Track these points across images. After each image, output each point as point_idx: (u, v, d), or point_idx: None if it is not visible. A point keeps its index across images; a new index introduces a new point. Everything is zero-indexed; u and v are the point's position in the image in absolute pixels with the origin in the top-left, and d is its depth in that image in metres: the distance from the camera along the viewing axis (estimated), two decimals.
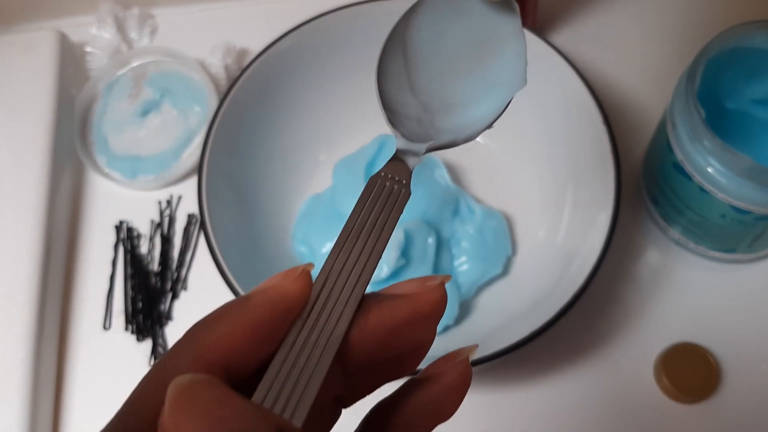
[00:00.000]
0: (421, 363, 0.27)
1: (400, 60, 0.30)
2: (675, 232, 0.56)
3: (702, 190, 0.49)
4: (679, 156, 0.49)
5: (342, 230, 0.25)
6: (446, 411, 0.25)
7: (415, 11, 0.30)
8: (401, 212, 0.26)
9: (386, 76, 0.29)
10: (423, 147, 0.28)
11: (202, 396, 0.20)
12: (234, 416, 0.19)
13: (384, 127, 0.29)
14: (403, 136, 0.28)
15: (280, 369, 0.23)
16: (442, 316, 0.25)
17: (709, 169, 0.48)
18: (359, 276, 0.24)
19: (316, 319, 0.24)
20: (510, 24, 0.30)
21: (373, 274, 0.25)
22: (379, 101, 0.29)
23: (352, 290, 0.24)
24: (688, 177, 0.49)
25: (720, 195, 0.48)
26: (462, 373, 0.25)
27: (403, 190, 0.27)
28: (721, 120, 0.50)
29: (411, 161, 0.28)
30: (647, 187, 0.56)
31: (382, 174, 0.27)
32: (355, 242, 0.25)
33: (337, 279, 0.24)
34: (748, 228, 0.50)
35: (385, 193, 0.26)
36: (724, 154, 0.46)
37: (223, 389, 0.20)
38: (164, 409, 0.20)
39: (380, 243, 0.25)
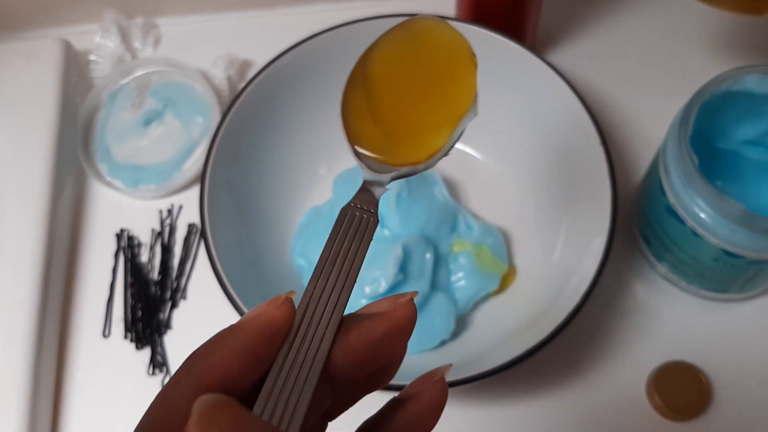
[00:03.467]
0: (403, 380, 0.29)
1: (362, 95, 0.32)
2: (666, 270, 0.56)
3: (695, 234, 0.49)
4: (672, 200, 0.50)
5: (319, 259, 0.28)
6: (426, 427, 0.27)
7: (374, 48, 0.33)
8: (371, 238, 0.28)
9: (350, 110, 0.32)
10: (387, 177, 0.30)
11: (224, 414, 0.22)
12: (251, 430, 0.22)
13: None
14: (368, 167, 0.31)
15: (272, 389, 0.25)
16: (413, 329, 0.27)
17: (702, 215, 0.48)
18: (337, 300, 0.27)
19: (301, 342, 0.26)
20: (462, 58, 0.33)
21: (349, 297, 0.27)
22: (345, 135, 0.31)
23: (332, 313, 0.26)
24: (681, 221, 0.50)
25: (713, 240, 0.48)
26: (439, 392, 0.27)
27: (372, 219, 0.29)
28: (713, 160, 0.51)
29: (377, 191, 0.30)
30: (639, 227, 0.57)
31: (352, 204, 0.29)
32: (332, 269, 0.27)
33: (317, 304, 0.27)
34: (741, 271, 0.51)
35: (355, 223, 0.29)
36: (716, 201, 0.46)
37: (240, 408, 0.23)
38: (189, 426, 0.22)
39: (354, 268, 0.28)
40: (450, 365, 0.28)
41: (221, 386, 0.24)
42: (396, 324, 0.27)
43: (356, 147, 0.31)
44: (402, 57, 0.33)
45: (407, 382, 0.28)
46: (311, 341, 0.26)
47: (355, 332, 0.26)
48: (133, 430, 0.24)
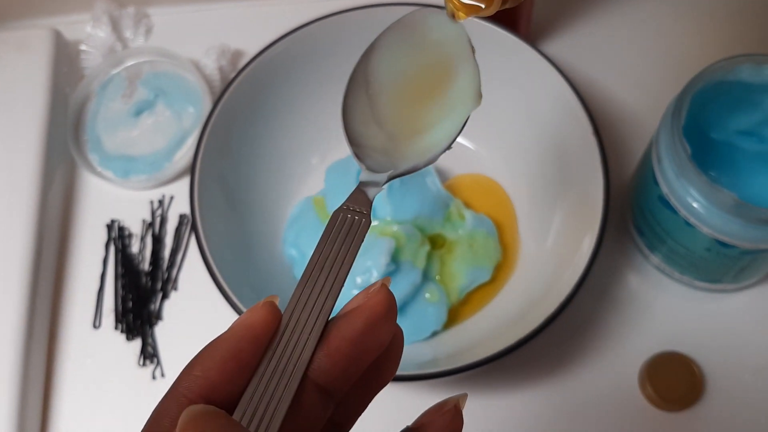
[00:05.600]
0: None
1: (364, 96, 0.32)
2: (659, 261, 0.56)
3: (687, 224, 0.49)
4: (665, 189, 0.49)
5: (308, 263, 0.27)
6: None
7: (373, 49, 0.32)
8: (362, 240, 0.28)
9: (352, 113, 0.31)
10: (384, 177, 0.30)
11: (206, 423, 0.22)
12: None
13: None
14: (368, 168, 0.30)
15: (252, 395, 0.25)
16: (395, 313, 0.26)
17: (695, 204, 0.48)
18: (322, 306, 0.26)
19: (285, 349, 0.25)
20: (461, 48, 0.32)
21: (335, 302, 0.26)
22: (346, 137, 0.31)
23: (317, 319, 0.26)
24: (674, 210, 0.49)
25: (705, 229, 0.48)
26: (450, 422, 0.27)
27: (364, 220, 0.28)
28: (706, 150, 0.50)
29: (371, 192, 0.29)
30: (633, 217, 0.57)
31: (344, 207, 0.29)
32: (320, 274, 0.27)
33: (302, 310, 0.26)
34: (734, 261, 0.51)
35: (347, 225, 0.28)
36: (709, 191, 0.46)
37: (223, 418, 0.23)
38: None
39: (342, 272, 0.27)
40: (465, 394, 0.28)
41: (203, 398, 0.24)
42: (373, 313, 0.26)
43: (357, 147, 0.31)
44: (401, 55, 0.33)
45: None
46: (294, 348, 0.25)
47: (334, 333, 0.26)
48: None
